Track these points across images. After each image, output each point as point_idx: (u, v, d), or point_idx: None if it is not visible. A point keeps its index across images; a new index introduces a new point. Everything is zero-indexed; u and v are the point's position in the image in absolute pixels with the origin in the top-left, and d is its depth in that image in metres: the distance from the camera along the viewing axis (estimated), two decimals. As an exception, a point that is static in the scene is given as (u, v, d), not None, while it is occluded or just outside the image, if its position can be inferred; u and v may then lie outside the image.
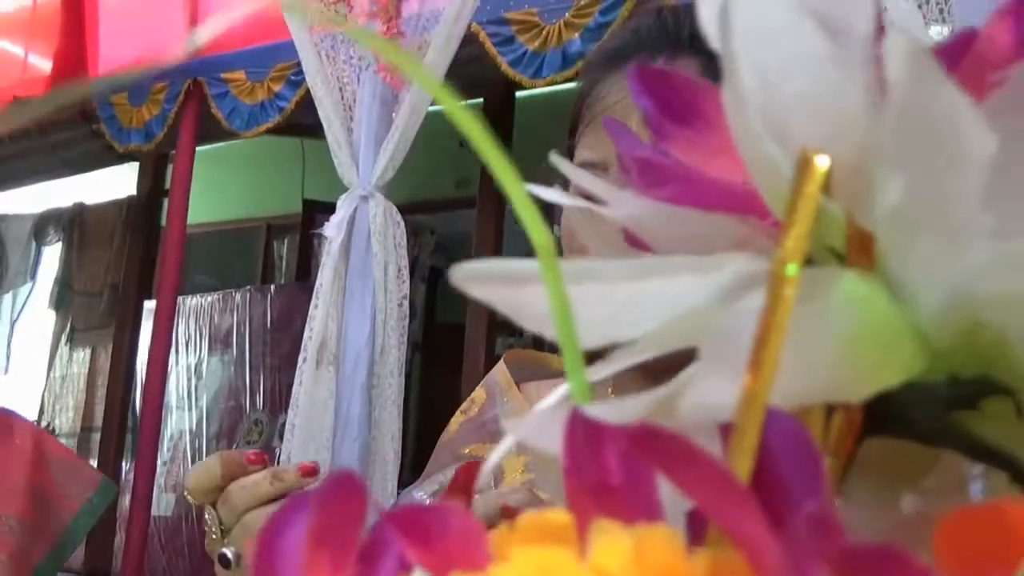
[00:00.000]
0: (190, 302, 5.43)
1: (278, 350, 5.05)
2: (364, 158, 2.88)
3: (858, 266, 0.21)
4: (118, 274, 5.37)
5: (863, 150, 0.20)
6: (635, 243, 0.25)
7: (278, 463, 0.94)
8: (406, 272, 2.83)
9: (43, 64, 4.35)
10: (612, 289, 0.21)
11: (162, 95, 4.06)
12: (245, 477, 0.78)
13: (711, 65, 0.83)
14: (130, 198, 5.36)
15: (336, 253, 2.79)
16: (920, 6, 1.96)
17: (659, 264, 0.21)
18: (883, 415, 0.21)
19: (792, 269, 0.18)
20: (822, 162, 0.19)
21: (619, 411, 0.19)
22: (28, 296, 6.00)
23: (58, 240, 5.81)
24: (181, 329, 5.36)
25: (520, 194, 0.19)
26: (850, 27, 0.21)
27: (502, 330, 4.50)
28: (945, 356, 0.21)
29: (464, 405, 0.96)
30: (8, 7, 4.47)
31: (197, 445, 5.29)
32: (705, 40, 0.90)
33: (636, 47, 0.78)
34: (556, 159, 0.25)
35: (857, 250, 0.21)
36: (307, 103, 3.48)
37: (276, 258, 5.97)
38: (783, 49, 0.21)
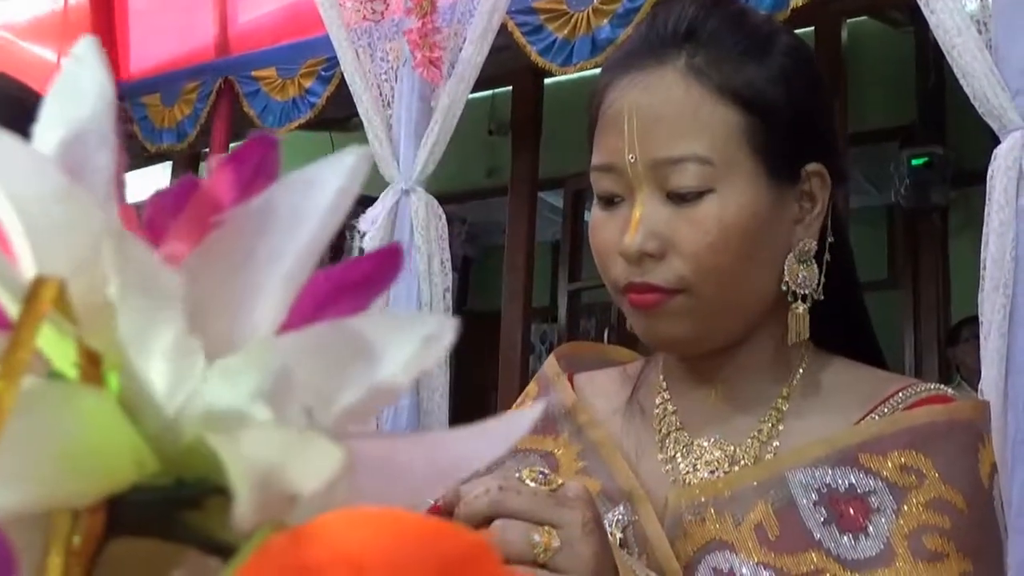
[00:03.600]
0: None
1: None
2: (404, 153, 2.88)
3: (91, 382, 0.23)
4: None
5: (101, 278, 0.22)
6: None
7: None
8: (448, 264, 2.84)
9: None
10: None
11: (194, 95, 4.04)
12: None
13: (697, 58, 0.88)
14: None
15: (378, 247, 2.79)
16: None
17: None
18: (123, 516, 0.23)
19: (6, 386, 0.20)
20: (51, 286, 0.21)
21: None
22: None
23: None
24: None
25: None
26: (92, 166, 0.23)
27: (536, 316, 4.50)
28: (175, 461, 0.23)
29: (519, 399, 0.98)
30: (40, 11, 4.48)
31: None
32: (686, 34, 0.93)
33: (638, 50, 0.84)
34: None
35: (88, 368, 0.23)
36: (337, 97, 3.46)
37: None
38: (24, 184, 0.22)
